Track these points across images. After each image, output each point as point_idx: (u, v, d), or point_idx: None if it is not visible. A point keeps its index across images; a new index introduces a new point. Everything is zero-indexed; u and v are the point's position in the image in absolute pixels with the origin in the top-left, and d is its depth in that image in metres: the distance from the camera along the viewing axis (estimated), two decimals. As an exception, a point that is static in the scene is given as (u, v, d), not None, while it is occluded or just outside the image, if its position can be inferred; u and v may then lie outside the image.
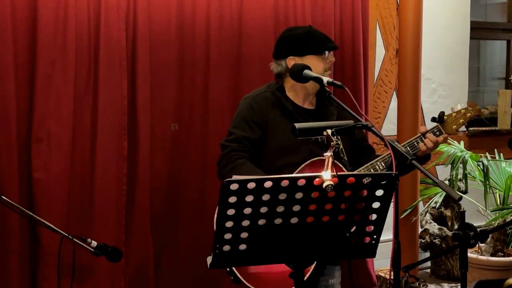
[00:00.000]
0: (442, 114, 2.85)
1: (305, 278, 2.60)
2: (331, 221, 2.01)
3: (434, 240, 4.63)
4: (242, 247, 2.00)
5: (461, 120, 2.86)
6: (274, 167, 2.78)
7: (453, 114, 2.86)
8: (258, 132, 2.84)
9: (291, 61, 2.90)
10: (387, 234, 2.25)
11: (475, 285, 1.72)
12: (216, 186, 2.67)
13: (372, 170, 2.82)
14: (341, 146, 2.81)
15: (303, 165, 2.76)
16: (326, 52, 2.90)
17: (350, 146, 2.87)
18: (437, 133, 2.84)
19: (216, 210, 2.65)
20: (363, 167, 2.83)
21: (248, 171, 2.70)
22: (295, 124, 2.32)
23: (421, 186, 4.51)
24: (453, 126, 2.86)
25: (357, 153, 2.94)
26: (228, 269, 2.66)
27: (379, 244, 2.14)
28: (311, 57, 2.90)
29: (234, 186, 1.88)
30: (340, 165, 2.69)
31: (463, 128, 5.31)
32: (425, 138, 2.81)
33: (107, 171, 3.56)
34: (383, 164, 2.83)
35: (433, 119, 2.85)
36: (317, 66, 2.88)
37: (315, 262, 2.69)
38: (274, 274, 2.60)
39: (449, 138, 4.82)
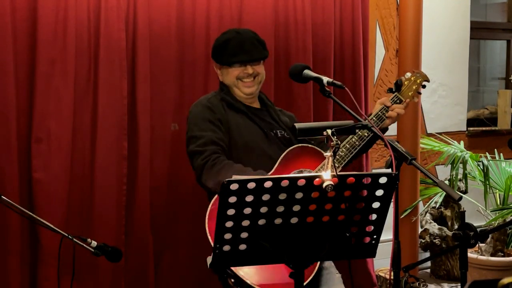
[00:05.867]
0: (400, 82, 2.99)
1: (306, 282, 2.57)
2: (331, 221, 2.01)
3: (434, 240, 4.62)
4: (242, 247, 2.00)
5: (414, 87, 3.03)
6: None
7: (406, 82, 3.03)
8: (224, 131, 2.85)
9: (216, 68, 2.97)
10: (387, 234, 2.26)
11: (469, 285, 1.71)
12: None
13: (347, 145, 2.83)
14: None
15: (281, 158, 2.78)
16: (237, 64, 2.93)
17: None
18: (397, 101, 2.97)
19: (207, 212, 2.66)
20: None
21: (239, 170, 2.67)
22: (295, 124, 2.33)
23: (421, 186, 4.50)
24: (409, 93, 3.02)
25: None
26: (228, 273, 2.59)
27: (379, 244, 2.14)
28: (224, 67, 2.98)
29: (234, 186, 1.88)
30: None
31: (463, 128, 5.32)
32: (389, 110, 2.91)
33: (107, 171, 3.56)
34: (355, 137, 2.84)
35: (390, 90, 3.00)
36: (229, 75, 2.94)
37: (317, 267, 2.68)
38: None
39: (448, 138, 4.83)
